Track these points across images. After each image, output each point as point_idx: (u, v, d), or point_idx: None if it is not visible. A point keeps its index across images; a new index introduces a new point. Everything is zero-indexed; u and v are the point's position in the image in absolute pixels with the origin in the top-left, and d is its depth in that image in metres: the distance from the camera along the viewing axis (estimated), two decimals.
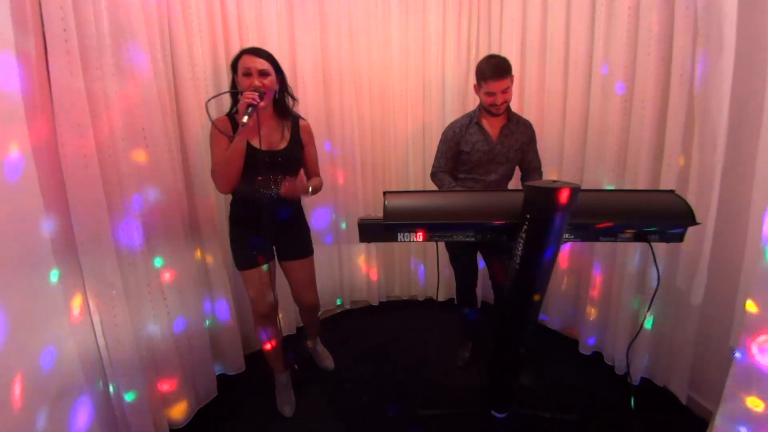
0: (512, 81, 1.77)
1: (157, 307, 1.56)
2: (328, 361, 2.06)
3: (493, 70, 1.72)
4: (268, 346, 1.75)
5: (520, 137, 1.88)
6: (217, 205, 1.91)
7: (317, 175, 1.77)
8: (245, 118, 1.33)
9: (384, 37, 2.51)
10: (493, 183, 1.89)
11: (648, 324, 1.79)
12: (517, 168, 2.01)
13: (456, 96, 2.58)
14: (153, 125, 1.51)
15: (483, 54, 2.50)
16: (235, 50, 1.93)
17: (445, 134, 1.92)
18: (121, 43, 1.39)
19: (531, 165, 1.94)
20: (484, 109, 1.85)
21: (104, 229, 1.33)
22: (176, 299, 1.65)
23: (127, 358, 1.43)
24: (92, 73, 1.29)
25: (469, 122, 1.88)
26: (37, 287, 1.19)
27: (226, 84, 1.89)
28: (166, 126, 1.59)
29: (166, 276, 1.62)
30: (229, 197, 2.03)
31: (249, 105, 1.34)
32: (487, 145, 1.84)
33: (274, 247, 1.70)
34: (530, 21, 2.28)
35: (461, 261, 2.01)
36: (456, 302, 2.23)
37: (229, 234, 1.67)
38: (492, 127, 1.86)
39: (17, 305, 1.10)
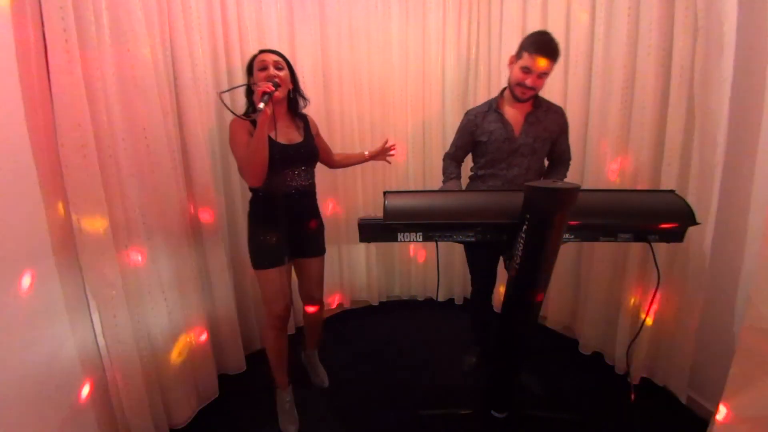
0: (551, 70, 1.57)
1: (157, 307, 1.56)
2: (323, 378, 1.98)
3: (542, 44, 1.48)
4: (276, 351, 1.71)
5: (549, 126, 1.67)
6: (217, 204, 1.91)
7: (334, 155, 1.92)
8: (261, 105, 1.35)
9: (384, 37, 2.51)
10: (517, 177, 1.66)
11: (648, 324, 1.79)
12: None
13: (456, 96, 2.58)
14: (153, 125, 1.51)
15: (483, 54, 2.51)
16: (235, 51, 1.95)
17: (461, 121, 1.76)
18: (121, 42, 1.39)
19: (561, 157, 1.77)
20: (509, 92, 1.65)
21: (104, 228, 1.33)
22: (176, 299, 1.65)
23: (127, 358, 1.43)
24: (92, 72, 1.29)
25: (488, 109, 1.69)
26: (36, 286, 1.18)
27: (226, 84, 1.91)
28: (167, 125, 1.59)
29: (167, 275, 1.61)
30: (230, 197, 2.01)
31: (264, 93, 1.38)
32: (506, 133, 1.64)
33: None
34: (530, 21, 2.28)
35: (479, 266, 1.87)
36: (468, 307, 2.16)
37: (248, 233, 1.64)
38: (515, 114, 1.66)
39: (15, 304, 1.10)
